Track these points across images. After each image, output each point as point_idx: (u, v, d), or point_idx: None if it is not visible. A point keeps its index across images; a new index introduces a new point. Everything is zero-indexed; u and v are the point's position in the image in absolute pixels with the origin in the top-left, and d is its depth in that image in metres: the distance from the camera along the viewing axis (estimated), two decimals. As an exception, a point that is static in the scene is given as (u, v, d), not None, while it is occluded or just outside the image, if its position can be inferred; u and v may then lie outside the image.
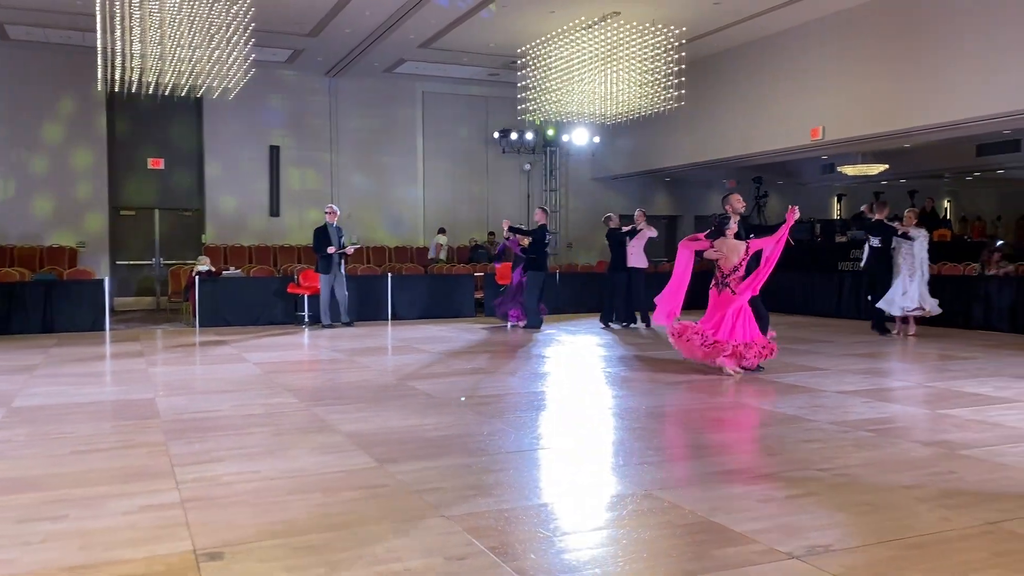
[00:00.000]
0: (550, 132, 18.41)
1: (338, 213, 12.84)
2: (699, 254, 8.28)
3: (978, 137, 15.29)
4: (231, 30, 11.01)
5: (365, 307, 13.53)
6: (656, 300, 8.35)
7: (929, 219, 20.63)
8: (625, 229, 12.43)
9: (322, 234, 12.50)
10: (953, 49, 10.94)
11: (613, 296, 12.60)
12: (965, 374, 7.71)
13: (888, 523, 3.57)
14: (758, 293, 7.91)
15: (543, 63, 13.88)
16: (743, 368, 7.73)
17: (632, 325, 12.47)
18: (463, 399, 6.44)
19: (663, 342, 10.51)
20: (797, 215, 7.82)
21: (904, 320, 11.24)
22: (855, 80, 12.43)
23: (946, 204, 23.36)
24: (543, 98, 14.27)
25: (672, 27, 12.63)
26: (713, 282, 7.98)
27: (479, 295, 14.75)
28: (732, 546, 3.29)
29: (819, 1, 12.42)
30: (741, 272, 7.79)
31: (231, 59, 11.60)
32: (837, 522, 3.58)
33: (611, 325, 12.52)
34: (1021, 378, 7.47)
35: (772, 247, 7.85)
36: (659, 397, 6.70)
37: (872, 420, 5.70)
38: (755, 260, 7.93)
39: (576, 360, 9.12)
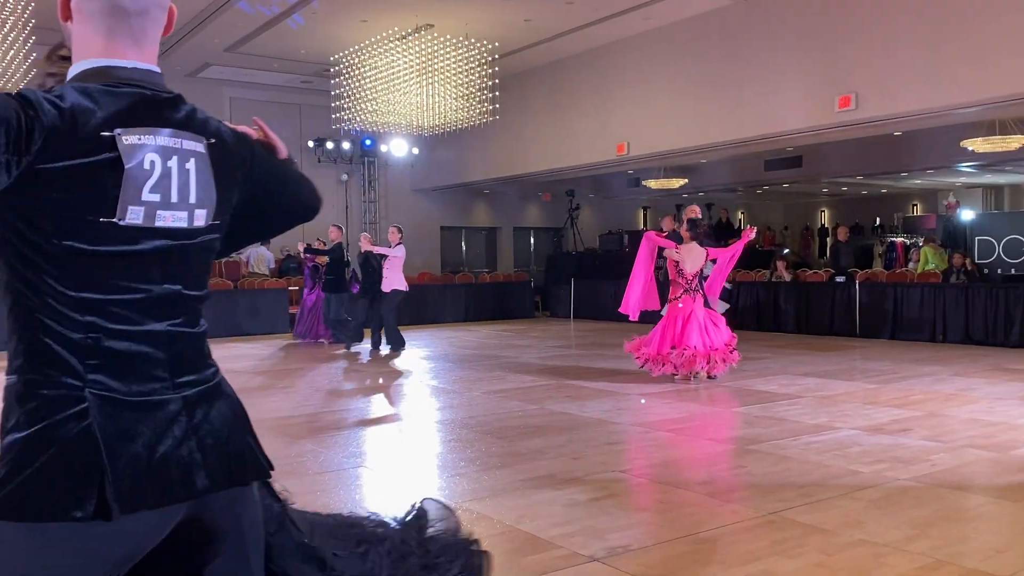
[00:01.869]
0: (367, 142, 18.19)
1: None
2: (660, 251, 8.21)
3: (766, 153, 16.61)
4: (8, 27, 10.02)
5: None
6: (625, 296, 8.25)
7: (724, 229, 22.21)
8: (377, 251, 11.28)
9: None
10: (741, 72, 11.83)
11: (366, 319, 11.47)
12: (755, 373, 8.30)
13: (683, 520, 3.74)
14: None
15: (358, 72, 13.68)
16: (711, 376, 7.73)
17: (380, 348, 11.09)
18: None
19: (461, 359, 10.63)
20: (752, 236, 8.08)
21: None
22: (656, 98, 13.15)
23: (740, 215, 25.22)
24: (359, 107, 14.06)
25: (485, 42, 12.84)
26: (675, 291, 7.79)
27: (294, 310, 14.27)
28: (537, 553, 3.32)
29: (622, 23, 13.05)
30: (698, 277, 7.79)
31: (12, 59, 10.55)
32: (636, 522, 3.72)
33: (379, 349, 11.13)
34: (804, 376, 8.15)
35: (727, 260, 8.02)
36: (474, 408, 6.73)
37: (672, 420, 6.01)
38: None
39: (393, 375, 9.01)
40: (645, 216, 22.92)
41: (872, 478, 4.35)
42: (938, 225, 20.61)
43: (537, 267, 20.44)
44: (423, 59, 12.96)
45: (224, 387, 1.46)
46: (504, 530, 3.62)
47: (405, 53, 13.00)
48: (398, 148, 18.10)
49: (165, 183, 1.34)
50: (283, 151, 1.68)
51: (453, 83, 13.27)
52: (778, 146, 13.90)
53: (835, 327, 12.17)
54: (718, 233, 21.97)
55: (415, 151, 18.31)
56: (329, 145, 17.97)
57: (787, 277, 13.72)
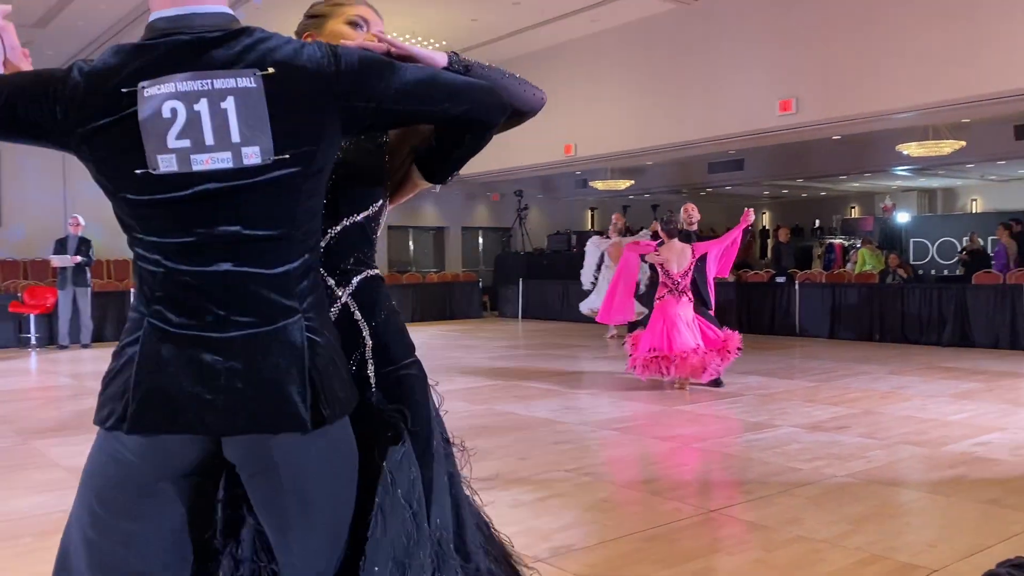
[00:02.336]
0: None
1: (83, 224, 11.65)
2: (643, 258, 7.94)
3: (709, 156, 16.88)
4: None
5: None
6: (603, 304, 8.12)
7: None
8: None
9: (59, 245, 11.38)
10: (685, 75, 11.99)
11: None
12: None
13: (627, 518, 3.77)
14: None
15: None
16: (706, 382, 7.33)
17: None
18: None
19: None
20: (752, 218, 7.56)
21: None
22: (603, 100, 13.26)
23: (685, 217, 25.61)
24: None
25: (432, 40, 12.79)
26: (660, 291, 7.45)
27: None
28: (481, 555, 3.31)
29: (569, 25, 13.13)
30: (690, 277, 7.41)
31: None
32: (581, 521, 3.73)
33: None
34: (746, 374, 8.28)
35: (724, 249, 7.64)
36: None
37: (617, 419, 6.05)
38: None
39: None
40: (593, 217, 23.08)
41: (811, 475, 4.44)
42: (875, 227, 21.18)
43: (485, 267, 20.44)
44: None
45: (290, 335, 1.40)
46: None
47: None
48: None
49: (195, 127, 1.35)
50: (429, 59, 1.59)
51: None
52: (721, 149, 14.12)
53: (776, 327, 12.42)
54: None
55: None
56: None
57: (730, 278, 13.94)
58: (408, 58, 1.56)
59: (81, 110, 1.35)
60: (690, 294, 7.36)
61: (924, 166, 17.41)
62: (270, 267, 1.40)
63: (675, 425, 5.87)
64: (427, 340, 12.46)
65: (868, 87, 9.87)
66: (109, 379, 1.43)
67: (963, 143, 13.70)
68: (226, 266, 1.38)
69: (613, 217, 12.92)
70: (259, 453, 1.41)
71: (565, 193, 21.67)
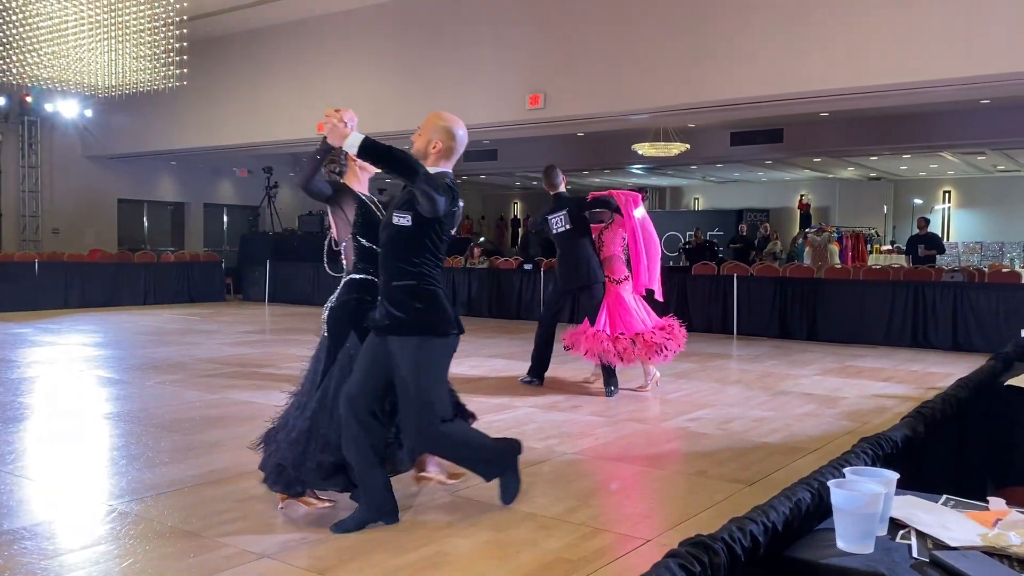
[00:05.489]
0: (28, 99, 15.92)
1: None
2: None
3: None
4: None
5: None
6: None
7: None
8: None
9: None
10: (440, 61, 12.04)
11: None
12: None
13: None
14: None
15: (18, 17, 11.88)
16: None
17: None
18: None
19: (136, 346, 9.86)
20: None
21: None
22: (356, 79, 12.96)
23: (441, 203, 25.94)
24: (19, 59, 12.23)
25: (173, 0, 11.79)
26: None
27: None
28: (203, 554, 3.08)
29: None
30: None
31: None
32: (312, 513, 3.59)
33: None
34: (491, 357, 8.50)
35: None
36: (147, 400, 6.15)
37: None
38: None
39: (58, 363, 7.98)
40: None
41: (544, 453, 4.62)
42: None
43: (230, 247, 19.34)
44: (100, 11, 11.59)
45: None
46: (166, 531, 3.31)
47: (77, 1, 11.54)
48: (67, 108, 16.08)
49: None
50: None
51: (136, 41, 12.04)
52: (474, 138, 14.34)
53: (523, 311, 12.90)
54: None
55: (88, 113, 16.38)
56: (-22, 99, 15.49)
57: (483, 264, 14.29)
58: None
59: None
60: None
61: (655, 165, 18.95)
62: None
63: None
64: (162, 324, 11.55)
65: (609, 88, 10.49)
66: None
67: (688, 146, 15.08)
68: None
69: None
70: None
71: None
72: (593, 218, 6.69)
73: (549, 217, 6.68)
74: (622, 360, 6.24)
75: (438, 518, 3.54)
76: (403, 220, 3.22)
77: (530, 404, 6.03)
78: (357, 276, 3.63)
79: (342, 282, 3.68)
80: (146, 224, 18.96)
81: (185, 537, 3.26)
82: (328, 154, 3.55)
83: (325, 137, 3.21)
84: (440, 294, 3.31)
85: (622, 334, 6.28)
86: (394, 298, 3.26)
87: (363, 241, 3.58)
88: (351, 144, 3.09)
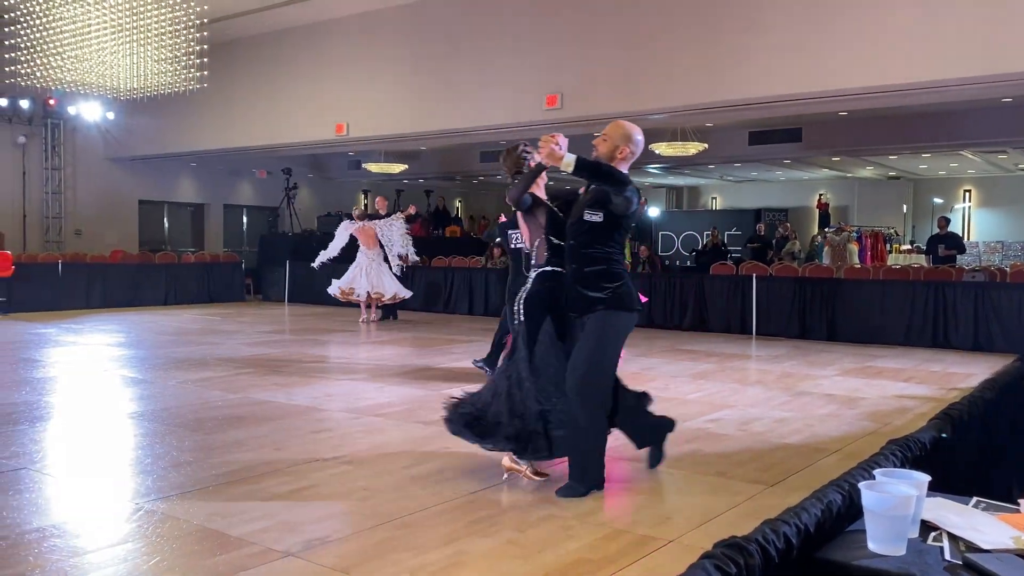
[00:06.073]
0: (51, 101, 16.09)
1: None
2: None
3: (481, 145, 17.19)
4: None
5: None
6: None
7: (442, 216, 22.67)
8: None
9: None
10: (457, 63, 12.07)
11: None
12: (466, 355, 8.53)
13: (385, 506, 3.70)
14: None
15: (42, 22, 12.02)
16: None
17: None
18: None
19: (158, 345, 9.95)
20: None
21: (368, 306, 12.07)
22: (376, 81, 13.02)
23: (458, 204, 25.94)
24: (42, 62, 12.36)
25: (193, 3, 11.87)
26: None
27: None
28: (225, 552, 3.10)
29: (342, 0, 12.76)
30: None
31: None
32: (337, 512, 3.62)
33: None
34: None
35: None
36: (169, 399, 6.21)
37: (382, 404, 5.97)
38: None
39: (82, 363, 8.06)
40: (366, 198, 22.75)
41: (564, 454, 4.61)
42: (629, 220, 22.72)
43: (250, 248, 19.46)
44: (122, 15, 11.70)
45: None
46: (191, 530, 3.35)
47: (100, 6, 11.65)
48: (90, 111, 16.25)
49: None
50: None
51: (157, 44, 12.14)
52: (491, 139, 14.40)
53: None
54: (436, 220, 22.39)
55: (110, 115, 16.55)
56: (2, 102, 15.68)
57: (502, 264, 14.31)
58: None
59: None
60: None
61: (673, 165, 18.88)
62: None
63: (440, 410, 5.88)
64: (183, 324, 11.64)
65: (625, 88, 10.48)
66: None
67: (705, 145, 15.02)
68: None
69: (376, 200, 12.93)
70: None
71: (337, 174, 21.15)
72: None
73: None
74: None
75: (460, 517, 3.55)
76: (595, 217, 3.78)
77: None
78: (548, 268, 4.11)
79: (533, 274, 4.13)
80: (167, 225, 19.11)
81: (210, 535, 3.29)
82: (541, 173, 4.10)
83: (529, 159, 4.19)
84: (627, 276, 3.90)
85: None
86: (589, 282, 3.81)
87: (553, 239, 4.08)
88: (567, 163, 3.56)
